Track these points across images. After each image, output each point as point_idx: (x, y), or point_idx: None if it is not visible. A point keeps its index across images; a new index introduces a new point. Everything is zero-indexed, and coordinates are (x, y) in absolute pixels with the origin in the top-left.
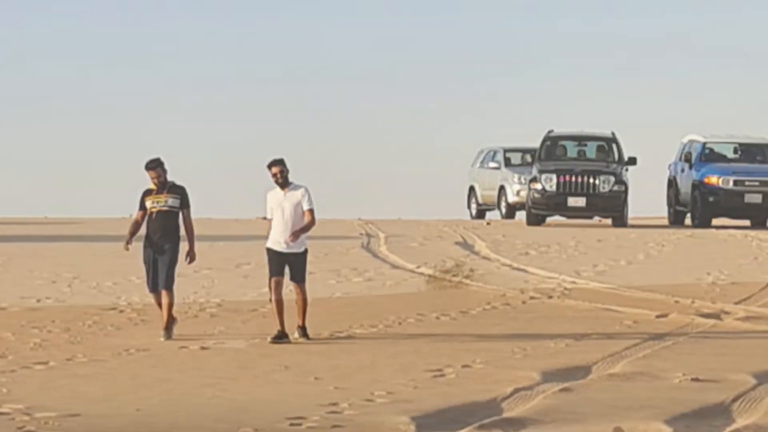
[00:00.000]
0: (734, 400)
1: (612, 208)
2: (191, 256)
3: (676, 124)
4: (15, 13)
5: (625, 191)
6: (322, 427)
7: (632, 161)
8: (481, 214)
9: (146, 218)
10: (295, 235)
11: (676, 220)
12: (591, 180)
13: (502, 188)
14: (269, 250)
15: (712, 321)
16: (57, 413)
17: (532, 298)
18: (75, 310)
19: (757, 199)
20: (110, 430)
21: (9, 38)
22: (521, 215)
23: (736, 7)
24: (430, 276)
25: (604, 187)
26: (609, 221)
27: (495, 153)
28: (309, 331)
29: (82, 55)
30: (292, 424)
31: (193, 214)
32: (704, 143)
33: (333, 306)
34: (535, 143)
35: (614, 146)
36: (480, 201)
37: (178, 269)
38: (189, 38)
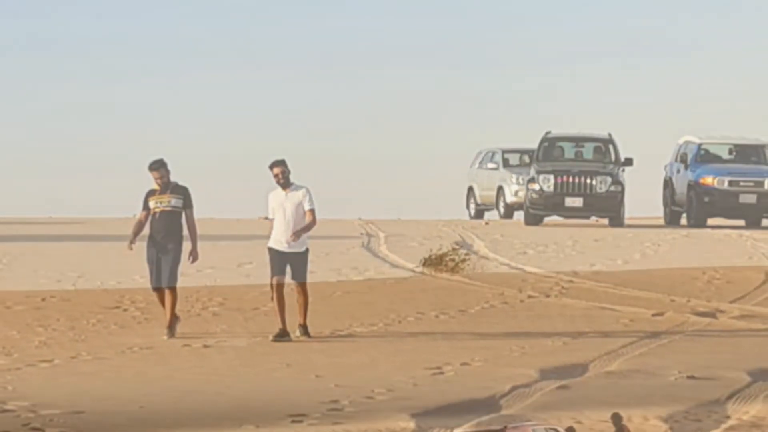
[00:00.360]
0: (729, 397)
1: (609, 208)
2: (194, 255)
3: (671, 126)
4: (17, 13)
5: (622, 191)
6: (323, 424)
7: (629, 162)
8: (479, 214)
9: (150, 218)
10: (297, 234)
11: (672, 220)
12: (588, 180)
13: (500, 188)
14: (271, 250)
15: (707, 319)
16: (61, 410)
17: (529, 296)
18: (79, 309)
19: (751, 199)
20: (114, 427)
21: (11, 38)
22: (519, 215)
23: (733, 9)
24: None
25: (601, 188)
26: (606, 221)
27: (493, 154)
28: (310, 330)
29: (84, 54)
30: (293, 421)
31: (196, 214)
32: (700, 144)
33: (334, 304)
34: (533, 144)
35: (611, 147)
36: (479, 201)
37: (181, 268)
38: (189, 38)
